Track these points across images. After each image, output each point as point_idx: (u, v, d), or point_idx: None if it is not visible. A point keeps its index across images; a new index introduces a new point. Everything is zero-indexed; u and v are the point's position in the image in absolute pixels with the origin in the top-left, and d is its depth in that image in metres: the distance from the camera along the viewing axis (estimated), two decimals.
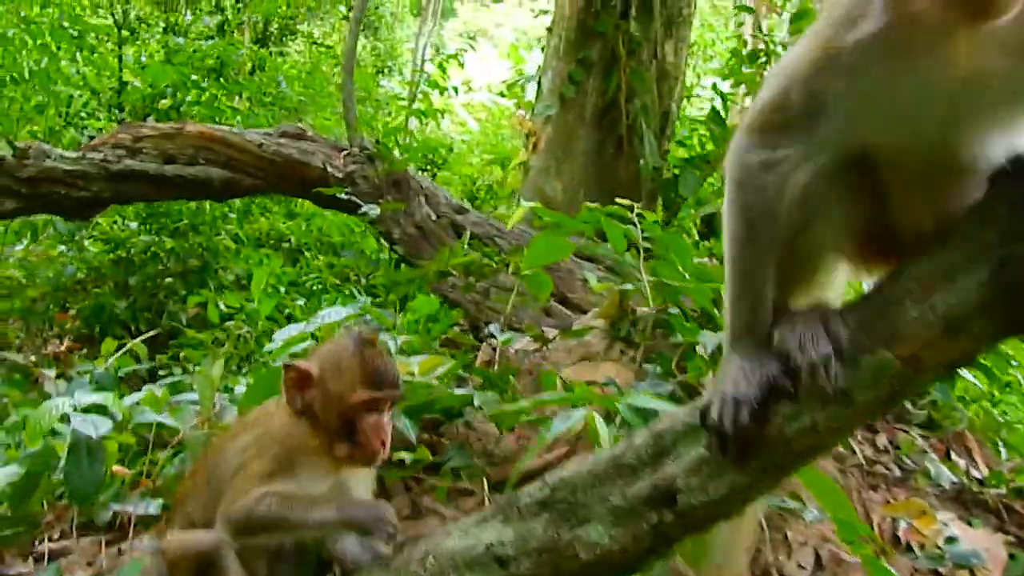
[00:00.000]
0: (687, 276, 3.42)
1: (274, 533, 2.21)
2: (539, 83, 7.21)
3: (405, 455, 3.18)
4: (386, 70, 20.11)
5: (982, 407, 4.96)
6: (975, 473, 4.55)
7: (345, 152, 6.53)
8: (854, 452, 4.14)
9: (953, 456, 4.56)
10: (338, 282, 9.56)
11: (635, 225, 3.59)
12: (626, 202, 3.73)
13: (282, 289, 8.29)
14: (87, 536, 4.23)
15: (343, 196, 6.13)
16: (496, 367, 4.58)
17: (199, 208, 9.34)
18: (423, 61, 15.13)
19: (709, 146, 6.88)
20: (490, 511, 1.92)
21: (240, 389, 4.45)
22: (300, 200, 11.37)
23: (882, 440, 4.58)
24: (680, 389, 3.33)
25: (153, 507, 3.55)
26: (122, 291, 8.67)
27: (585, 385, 2.65)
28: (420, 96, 10.54)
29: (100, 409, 3.52)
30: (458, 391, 3.64)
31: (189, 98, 10.33)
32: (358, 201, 6.11)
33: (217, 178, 6.49)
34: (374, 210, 5.94)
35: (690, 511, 1.64)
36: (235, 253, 9.57)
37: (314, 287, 9.27)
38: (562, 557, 1.70)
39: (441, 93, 10.48)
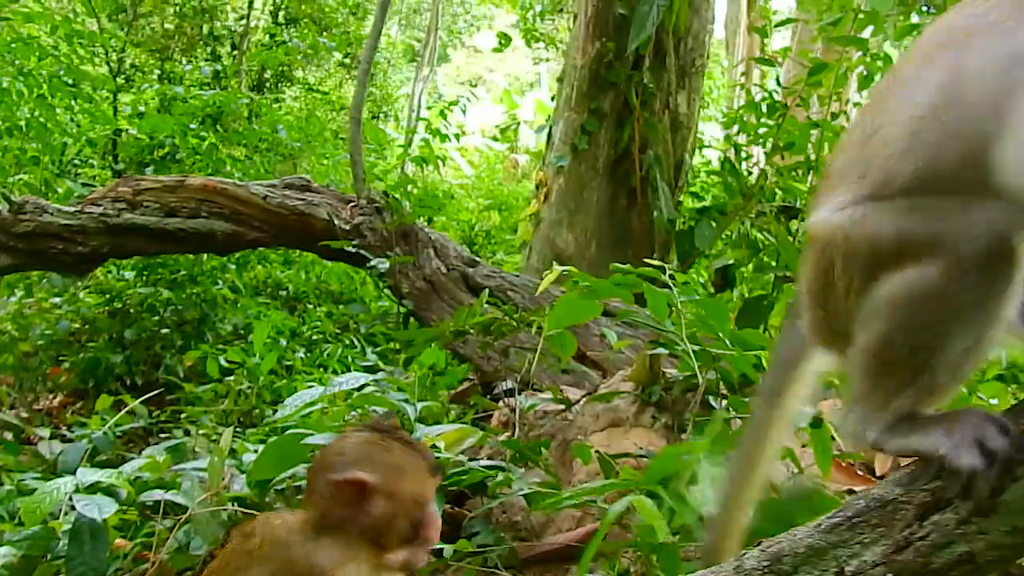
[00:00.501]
0: (727, 342, 3.25)
1: None
2: (549, 133, 7.11)
3: (443, 545, 2.95)
4: (382, 116, 20.12)
5: None
6: None
7: (352, 204, 6.38)
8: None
9: None
10: (338, 331, 9.38)
11: (671, 288, 3.42)
12: (656, 262, 3.56)
13: (283, 341, 8.09)
14: None
15: (351, 249, 5.98)
16: (516, 431, 4.39)
17: (197, 258, 9.17)
18: (419, 107, 15.12)
19: (723, 197, 6.75)
20: None
21: (248, 457, 4.24)
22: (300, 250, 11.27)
23: None
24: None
25: None
26: (117, 344, 8.44)
27: (631, 471, 2.44)
28: (420, 142, 10.43)
29: (104, 488, 3.31)
30: (485, 463, 3.44)
31: (187, 147, 10.17)
32: (366, 255, 5.95)
33: (220, 231, 6.32)
34: (383, 264, 5.78)
35: None
36: (233, 303, 9.39)
37: (313, 336, 9.09)
38: None
39: (442, 140, 10.38)
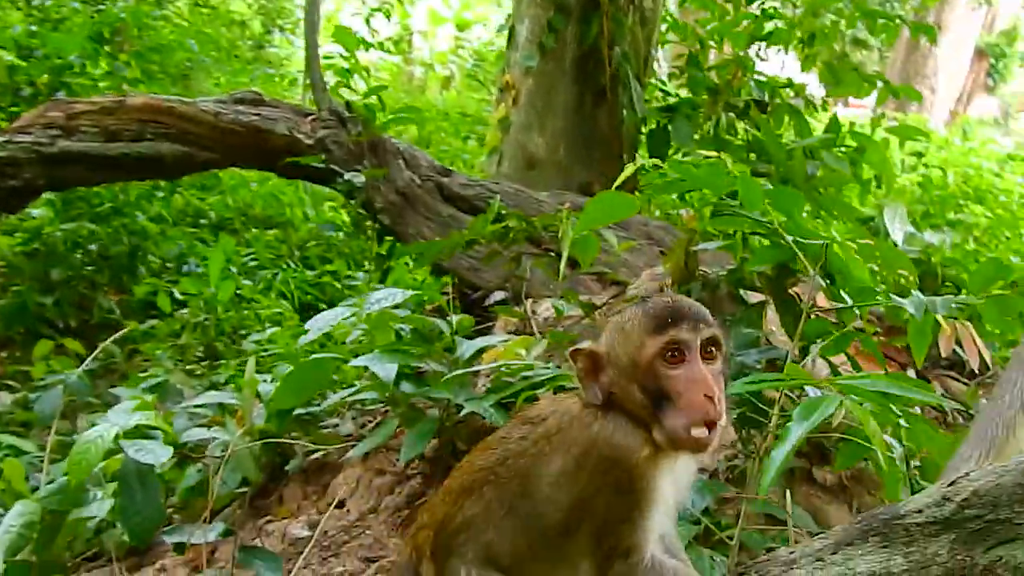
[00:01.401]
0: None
1: None
2: (511, 32, 6.78)
3: None
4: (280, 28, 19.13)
5: None
6: None
7: (312, 117, 5.99)
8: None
9: None
10: (272, 256, 9.01)
11: None
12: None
13: (234, 269, 7.70)
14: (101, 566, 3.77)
15: (319, 165, 5.64)
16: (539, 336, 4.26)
17: (122, 188, 8.56)
18: (318, 18, 14.34)
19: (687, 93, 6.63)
20: (855, 532, 1.60)
21: (265, 388, 3.99)
22: (221, 172, 10.68)
23: (937, 389, 4.52)
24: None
25: (214, 533, 3.12)
26: (44, 287, 7.87)
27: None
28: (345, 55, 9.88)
29: (145, 431, 3.03)
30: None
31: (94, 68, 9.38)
32: (337, 170, 5.62)
33: (168, 154, 5.83)
34: (358, 178, 5.47)
35: None
36: (161, 234, 8.86)
37: (248, 263, 8.70)
38: None
39: (366, 48, 9.83)
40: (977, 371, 4.30)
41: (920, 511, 1.52)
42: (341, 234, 7.81)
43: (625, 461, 1.71)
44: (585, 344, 1.84)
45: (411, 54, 23.02)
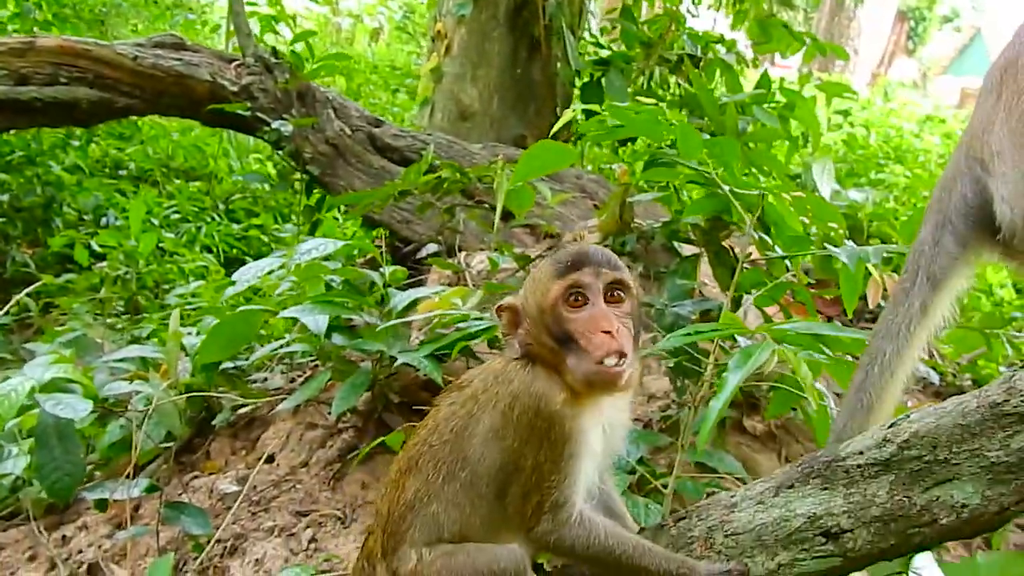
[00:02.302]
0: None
1: (596, 564, 1.78)
2: None
3: None
4: None
5: None
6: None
7: (237, 63, 5.77)
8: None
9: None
10: (196, 209, 8.76)
11: None
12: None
13: (155, 222, 7.45)
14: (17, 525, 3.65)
15: (244, 113, 5.45)
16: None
17: (34, 136, 8.18)
18: None
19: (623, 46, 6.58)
20: (796, 475, 1.60)
21: (190, 341, 3.87)
22: (138, 121, 10.30)
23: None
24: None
25: (137, 488, 3.02)
26: None
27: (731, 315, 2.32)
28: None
29: (63, 385, 2.91)
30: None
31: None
32: (264, 118, 5.45)
33: (84, 99, 5.57)
34: (286, 126, 5.31)
35: None
36: (78, 185, 8.52)
37: (170, 216, 8.44)
38: (914, 524, 1.43)
39: None
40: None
41: (861, 453, 1.54)
42: (267, 186, 7.59)
43: (545, 409, 1.71)
44: (508, 299, 1.86)
45: (338, 4, 22.46)
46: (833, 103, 9.90)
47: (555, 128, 3.23)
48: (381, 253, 4.99)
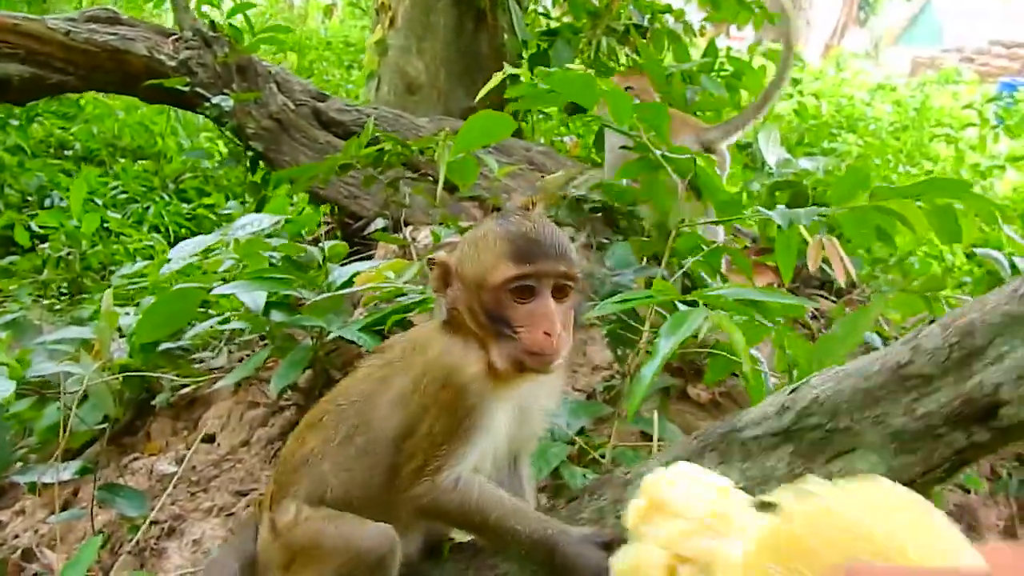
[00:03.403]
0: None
1: (471, 529, 1.72)
2: None
3: None
4: None
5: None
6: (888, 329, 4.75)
7: (174, 37, 5.63)
8: (796, 320, 4.14)
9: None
10: (144, 188, 8.59)
11: None
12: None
13: (99, 201, 7.28)
14: None
15: (183, 88, 5.33)
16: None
17: None
18: None
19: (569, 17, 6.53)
20: (693, 448, 1.58)
21: (125, 320, 3.79)
22: (83, 99, 10.06)
23: (809, 307, 4.65)
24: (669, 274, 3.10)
25: (68, 471, 2.96)
26: None
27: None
28: None
29: None
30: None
31: None
32: (203, 93, 5.33)
33: (16, 75, 5.40)
34: (227, 101, 5.20)
35: (1016, 427, 1.33)
36: (19, 166, 8.32)
37: (118, 195, 8.28)
38: None
39: None
40: (844, 287, 4.45)
41: (759, 423, 1.50)
42: (215, 163, 7.46)
43: (455, 380, 1.66)
44: (441, 254, 1.78)
45: None
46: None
47: (483, 91, 3.18)
48: (329, 230, 4.94)
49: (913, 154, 11.05)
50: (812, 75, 16.45)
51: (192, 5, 5.74)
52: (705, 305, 2.12)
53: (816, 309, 4.68)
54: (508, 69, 3.14)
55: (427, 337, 1.79)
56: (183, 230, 7.76)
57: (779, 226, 2.73)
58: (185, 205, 8.45)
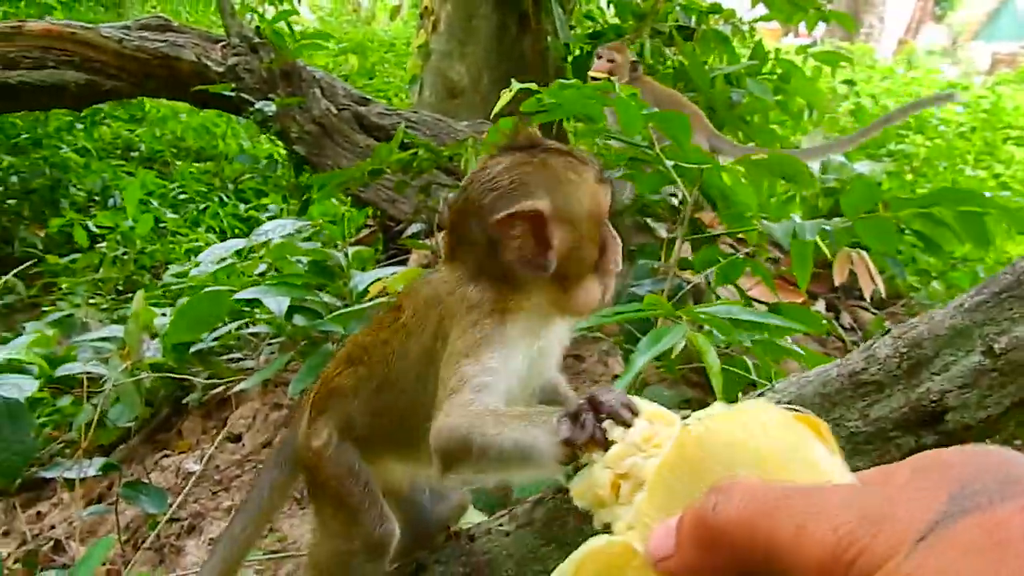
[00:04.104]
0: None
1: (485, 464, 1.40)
2: None
3: None
4: None
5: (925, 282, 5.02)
6: None
7: (222, 43, 5.77)
8: (828, 334, 4.05)
9: None
10: (205, 189, 8.83)
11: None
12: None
13: (154, 202, 7.51)
14: None
15: (229, 94, 5.45)
16: None
17: (39, 119, 8.28)
18: None
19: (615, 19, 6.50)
20: None
21: (159, 321, 3.91)
22: (148, 103, 10.37)
23: (846, 319, 4.56)
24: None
25: (93, 468, 3.06)
26: None
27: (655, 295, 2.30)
28: None
29: (19, 366, 2.95)
30: None
31: None
32: (248, 98, 5.45)
33: (72, 82, 5.61)
34: (270, 107, 5.31)
35: (960, 431, 1.38)
36: (85, 167, 8.62)
37: (179, 195, 8.52)
38: None
39: None
40: (870, 298, 4.36)
41: None
42: (267, 163, 7.62)
43: (484, 306, 1.53)
44: (525, 205, 1.50)
45: None
46: (842, 72, 9.72)
47: (496, 108, 3.19)
48: (364, 231, 5.01)
49: (983, 156, 10.72)
50: (881, 73, 16.05)
51: (237, 10, 5.86)
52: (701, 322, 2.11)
53: (854, 320, 4.58)
54: (515, 85, 3.14)
55: (442, 275, 1.64)
56: (235, 230, 7.95)
57: (793, 237, 2.68)
58: (244, 205, 8.67)
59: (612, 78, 4.38)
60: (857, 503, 0.67)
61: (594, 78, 4.67)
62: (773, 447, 0.87)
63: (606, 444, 1.08)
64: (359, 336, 1.86)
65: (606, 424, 1.09)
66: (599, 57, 5.15)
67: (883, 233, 2.61)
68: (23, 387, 2.74)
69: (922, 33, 24.84)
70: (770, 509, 0.71)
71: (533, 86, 2.89)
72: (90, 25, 5.80)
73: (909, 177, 9.51)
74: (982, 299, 1.40)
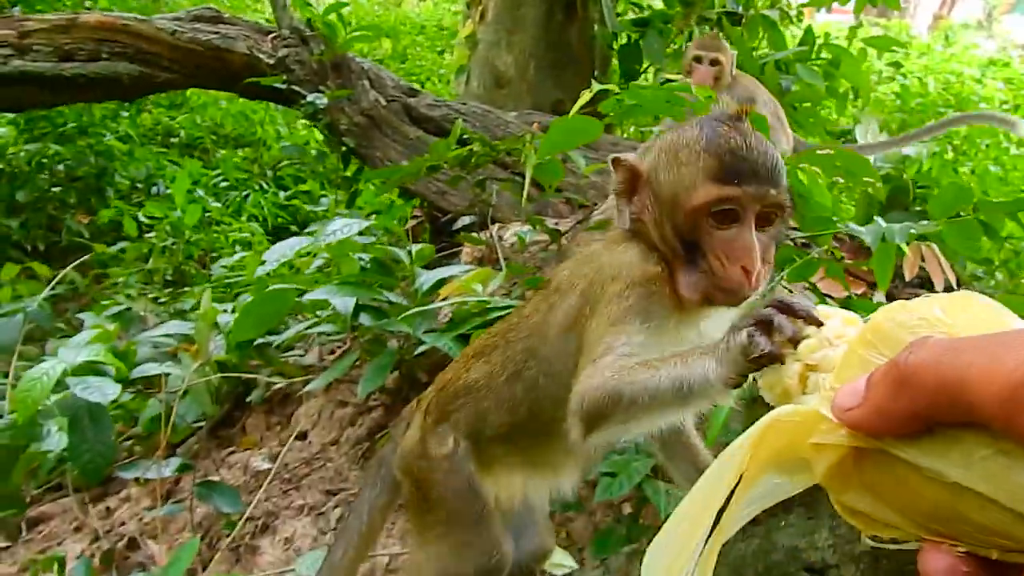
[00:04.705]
0: None
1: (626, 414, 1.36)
2: None
3: None
4: None
5: None
6: None
7: (273, 35, 5.77)
8: None
9: None
10: (244, 176, 8.86)
11: None
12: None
13: (200, 192, 7.56)
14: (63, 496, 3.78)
15: (280, 86, 5.47)
16: (503, 265, 4.22)
17: (85, 108, 8.34)
18: None
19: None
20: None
21: (224, 319, 3.94)
22: (188, 91, 10.41)
23: None
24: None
25: (169, 468, 3.11)
26: (10, 208, 7.74)
27: None
28: None
29: (95, 367, 2.99)
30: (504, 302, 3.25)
31: None
32: (299, 90, 5.46)
33: (126, 74, 5.64)
34: (321, 99, 5.32)
35: None
36: (128, 154, 8.68)
37: (220, 184, 8.56)
38: (909, 562, 1.40)
39: None
40: (943, 291, 4.30)
41: None
42: (313, 152, 7.63)
43: (629, 272, 1.49)
44: (629, 156, 1.56)
45: None
46: (887, 53, 9.58)
47: (575, 108, 3.18)
48: (409, 229, 5.01)
49: None
50: (919, 50, 15.78)
51: (290, 3, 5.86)
52: None
53: None
54: (596, 86, 3.11)
55: (600, 247, 1.59)
56: (278, 219, 7.99)
57: (882, 241, 2.66)
58: (282, 192, 8.70)
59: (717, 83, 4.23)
60: None
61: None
62: (970, 319, 0.86)
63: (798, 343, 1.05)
64: (492, 328, 1.83)
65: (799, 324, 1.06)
66: (698, 61, 4.71)
67: (970, 238, 2.59)
68: (105, 391, 2.78)
69: (957, 6, 24.39)
70: (962, 350, 0.71)
71: (613, 87, 2.87)
72: (144, 17, 5.82)
73: (949, 157, 9.39)
74: None
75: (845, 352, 0.95)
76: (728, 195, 1.41)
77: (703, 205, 1.42)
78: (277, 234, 7.39)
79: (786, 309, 1.08)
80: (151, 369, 3.32)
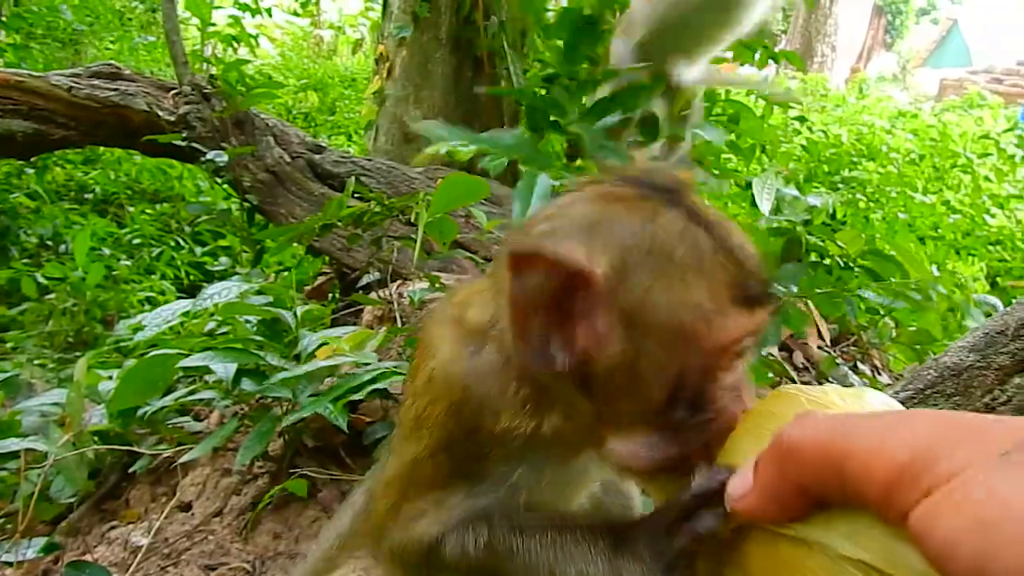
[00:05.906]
0: None
1: None
2: (385, 2, 6.55)
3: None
4: None
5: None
6: (882, 379, 4.65)
7: (174, 91, 5.71)
8: (783, 369, 4.07)
9: (860, 367, 4.61)
10: (161, 232, 8.69)
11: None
12: None
13: (106, 250, 7.37)
14: None
15: (180, 143, 5.39)
16: (399, 323, 4.17)
17: None
18: None
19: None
20: None
21: (104, 386, 3.80)
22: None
23: (799, 358, 4.57)
24: None
25: (32, 550, 2.95)
26: None
27: None
28: (229, 19, 9.54)
29: None
30: (385, 364, 3.20)
31: None
32: (200, 147, 5.38)
33: (20, 131, 5.51)
34: (221, 156, 5.25)
35: None
36: (35, 212, 8.46)
37: (134, 240, 8.37)
38: None
39: (253, 14, 9.52)
40: (818, 347, 4.40)
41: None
42: (231, 208, 7.53)
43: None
44: (563, 249, 0.94)
45: (319, 17, 22.47)
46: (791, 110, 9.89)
47: (415, 163, 3.19)
48: (315, 288, 4.94)
49: (933, 182, 10.93)
50: (834, 101, 16.34)
51: (191, 57, 5.80)
52: None
53: (807, 359, 4.60)
54: (440, 145, 3.13)
55: (445, 335, 1.18)
56: (191, 276, 7.83)
57: None
58: (200, 248, 8.54)
59: None
60: (942, 422, 0.66)
61: None
62: (857, 406, 0.88)
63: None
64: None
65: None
66: None
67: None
68: None
69: (873, 60, 25.40)
70: (848, 429, 0.71)
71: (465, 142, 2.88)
72: (39, 73, 5.70)
73: (863, 204, 9.68)
74: (908, 395, 1.40)
75: (733, 433, 0.94)
76: (756, 325, 0.99)
77: (733, 342, 0.97)
78: (192, 292, 7.23)
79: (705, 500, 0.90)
80: (11, 446, 3.15)
